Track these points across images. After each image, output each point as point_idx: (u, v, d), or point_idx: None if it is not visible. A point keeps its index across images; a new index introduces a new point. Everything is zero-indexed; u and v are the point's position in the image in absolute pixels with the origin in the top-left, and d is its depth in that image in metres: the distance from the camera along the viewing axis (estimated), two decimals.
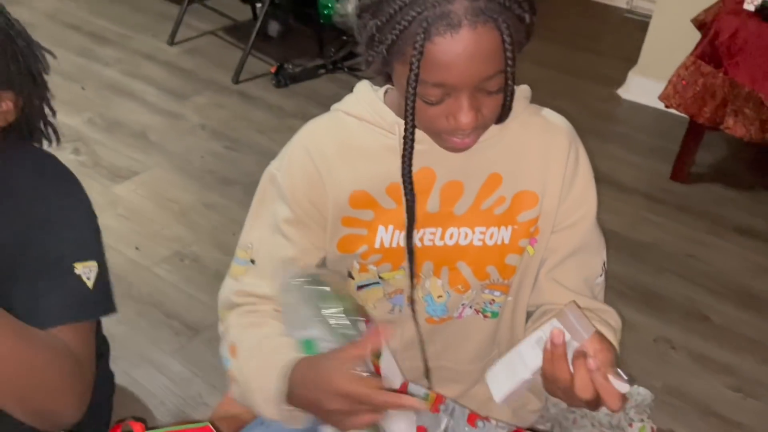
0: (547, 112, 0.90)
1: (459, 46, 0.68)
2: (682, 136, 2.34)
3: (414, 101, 0.72)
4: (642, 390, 1.41)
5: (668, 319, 1.86)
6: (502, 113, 0.77)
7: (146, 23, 3.35)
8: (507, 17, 0.68)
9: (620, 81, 2.94)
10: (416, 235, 0.86)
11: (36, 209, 0.87)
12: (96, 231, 0.93)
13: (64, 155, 2.39)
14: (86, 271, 0.87)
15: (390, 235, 0.86)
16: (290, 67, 2.91)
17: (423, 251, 0.87)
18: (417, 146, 0.80)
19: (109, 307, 0.91)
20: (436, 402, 0.91)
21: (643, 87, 2.78)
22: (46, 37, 3.49)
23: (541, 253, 0.90)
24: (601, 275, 0.93)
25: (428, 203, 0.85)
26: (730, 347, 1.78)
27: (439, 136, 0.79)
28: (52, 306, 0.83)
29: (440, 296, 0.91)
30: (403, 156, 0.77)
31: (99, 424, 1.04)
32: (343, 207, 0.86)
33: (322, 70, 2.98)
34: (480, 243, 0.87)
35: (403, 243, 0.86)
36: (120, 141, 2.48)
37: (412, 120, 0.74)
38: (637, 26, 3.16)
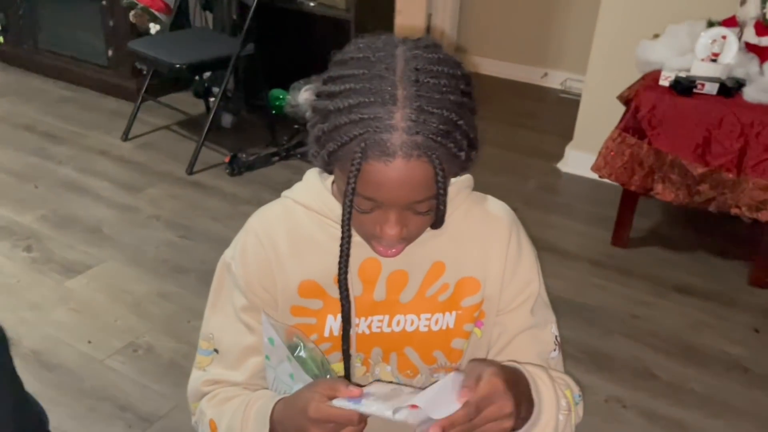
0: (489, 201, 0.94)
1: (391, 173, 0.72)
2: (618, 204, 2.47)
3: (350, 210, 0.76)
4: None
5: (618, 379, 1.91)
6: (435, 223, 0.81)
7: (99, 121, 3.42)
8: (442, 153, 0.72)
9: (559, 155, 3.11)
10: (364, 323, 0.89)
11: None
12: None
13: (17, 253, 2.39)
14: None
15: (339, 324, 0.88)
16: (244, 156, 2.99)
17: (371, 338, 0.90)
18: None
19: None
20: None
21: (580, 160, 2.94)
22: (1, 139, 3.50)
23: (488, 335, 0.92)
24: (555, 350, 0.95)
25: (375, 292, 0.88)
26: (678, 403, 1.83)
27: (369, 242, 0.82)
28: None
29: (390, 382, 0.91)
30: (340, 261, 0.80)
31: None
32: (292, 296, 0.88)
33: (276, 158, 3.08)
34: (426, 329, 0.90)
35: (353, 331, 0.88)
36: (73, 236, 2.49)
37: (348, 227, 0.78)
38: (571, 104, 3.37)
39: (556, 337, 0.95)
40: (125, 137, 3.23)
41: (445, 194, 0.74)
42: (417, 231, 0.80)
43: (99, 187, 2.83)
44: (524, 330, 0.91)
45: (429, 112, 0.71)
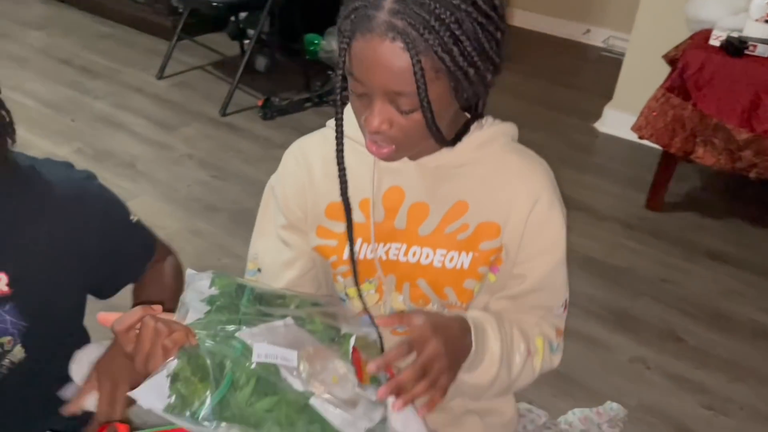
0: (530, 155, 0.93)
1: (369, 51, 0.74)
2: (656, 166, 2.43)
3: (343, 85, 0.79)
4: (615, 405, 1.45)
5: (644, 341, 1.90)
6: (440, 137, 0.81)
7: (135, 58, 3.43)
8: (421, 46, 0.72)
9: (597, 115, 3.05)
10: (383, 248, 0.91)
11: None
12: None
13: None
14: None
15: (358, 248, 0.91)
16: (277, 100, 2.99)
17: (387, 264, 0.92)
18: (391, 164, 0.86)
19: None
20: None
21: (619, 120, 2.87)
22: (38, 71, 3.54)
23: (503, 281, 0.93)
24: (561, 308, 0.96)
25: (396, 219, 0.90)
26: (703, 367, 1.83)
27: (364, 136, 0.84)
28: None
29: (402, 310, 0.94)
30: (337, 140, 0.83)
31: None
32: (319, 216, 0.92)
33: (308, 104, 3.06)
34: (440, 264, 0.90)
35: (369, 256, 0.91)
36: (108, 170, 2.53)
37: (342, 106, 0.81)
38: (612, 63, 3.28)
39: (566, 300, 0.96)
40: (160, 75, 3.23)
41: (425, 90, 0.73)
42: (405, 134, 0.80)
43: (134, 124, 2.85)
44: (535, 290, 0.92)
45: (419, 2, 0.72)
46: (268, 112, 2.95)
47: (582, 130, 3.01)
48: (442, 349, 0.77)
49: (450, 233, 0.90)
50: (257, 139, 2.80)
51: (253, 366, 0.72)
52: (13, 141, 0.93)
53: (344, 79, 0.79)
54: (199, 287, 0.82)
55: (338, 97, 0.81)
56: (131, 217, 1.07)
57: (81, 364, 0.96)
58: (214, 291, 0.81)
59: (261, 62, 3.35)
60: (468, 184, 0.89)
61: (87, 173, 1.04)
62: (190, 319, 0.78)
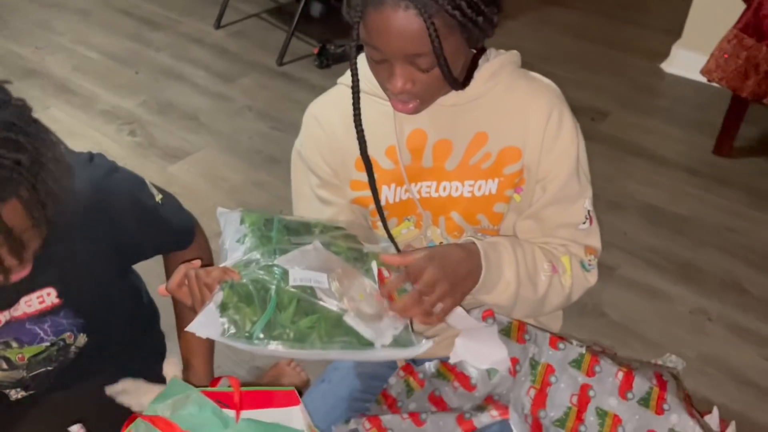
0: (535, 77, 0.98)
1: (382, 21, 0.78)
2: (726, 110, 2.33)
3: (355, 56, 0.84)
4: (674, 357, 1.46)
5: (706, 292, 1.88)
6: (457, 84, 0.87)
7: (193, 7, 3.45)
8: (432, 8, 0.76)
9: (664, 54, 2.91)
10: (414, 188, 0.97)
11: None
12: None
13: (123, 137, 2.53)
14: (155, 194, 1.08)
15: (393, 192, 0.97)
16: (332, 47, 2.97)
17: (421, 202, 0.98)
18: None
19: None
20: (520, 331, 0.97)
21: (688, 60, 2.75)
22: (100, 24, 3.61)
23: (528, 199, 0.98)
24: (584, 222, 1.00)
25: (423, 159, 0.96)
26: (766, 318, 1.80)
27: (387, 97, 0.89)
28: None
29: (441, 242, 1.00)
30: (354, 105, 0.87)
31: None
32: (350, 171, 0.98)
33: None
34: (469, 194, 0.96)
35: (404, 197, 0.97)
36: (172, 123, 2.60)
37: (356, 70, 0.86)
38: None
39: (588, 210, 1.00)
40: (218, 25, 3.26)
41: (441, 48, 0.78)
42: (426, 89, 0.86)
43: (194, 75, 2.91)
44: (555, 200, 0.96)
45: None
46: (324, 60, 2.95)
47: (647, 71, 2.90)
48: (440, 275, 0.83)
49: (474, 164, 0.96)
50: (314, 89, 2.81)
51: (291, 289, 0.80)
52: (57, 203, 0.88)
53: (358, 47, 0.83)
54: (232, 226, 0.89)
55: (353, 65, 0.85)
56: (156, 199, 1.07)
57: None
58: (245, 228, 0.88)
59: (316, 8, 3.32)
60: (484, 115, 0.94)
61: (105, 167, 1.02)
62: (230, 260, 0.85)
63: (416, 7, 0.76)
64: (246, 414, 0.90)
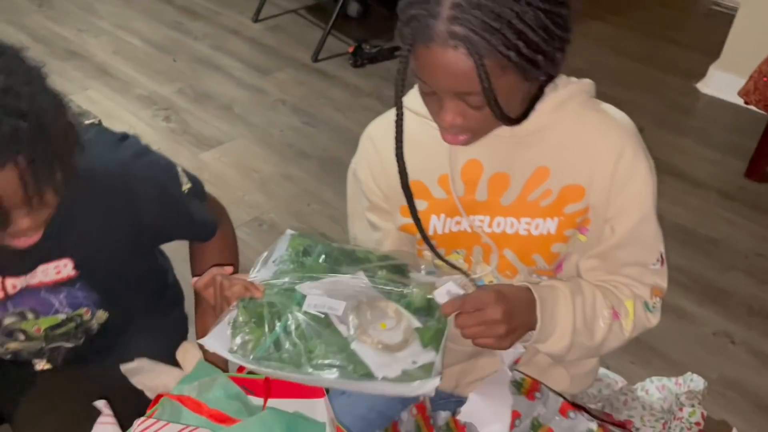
0: (608, 110, 0.90)
1: (431, 59, 0.74)
2: (761, 134, 2.30)
3: (402, 87, 0.80)
4: (695, 377, 1.45)
5: (730, 315, 1.86)
6: (511, 122, 0.81)
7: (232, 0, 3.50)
8: (484, 48, 0.71)
9: (700, 75, 2.89)
10: (465, 221, 0.92)
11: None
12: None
13: (157, 122, 2.57)
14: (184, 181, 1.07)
15: (442, 223, 0.93)
16: (368, 47, 2.99)
17: (473, 237, 0.93)
18: None
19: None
20: (531, 389, 0.94)
21: (724, 82, 2.72)
22: (142, 10, 3.67)
23: (594, 240, 0.92)
24: (655, 264, 0.94)
25: (477, 192, 0.91)
26: None
27: (438, 125, 0.84)
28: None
29: (491, 281, 0.96)
30: (396, 136, 0.84)
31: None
32: (400, 197, 0.92)
33: (398, 52, 3.05)
34: (525, 233, 0.90)
35: (454, 229, 0.93)
36: (207, 112, 2.64)
37: (401, 103, 0.82)
38: (722, 19, 3.08)
39: (661, 253, 0.94)
40: (256, 18, 3.29)
41: (491, 90, 0.74)
42: (478, 124, 0.81)
43: (231, 67, 2.94)
44: (626, 244, 0.91)
45: (476, 5, 0.71)
46: (359, 59, 2.97)
47: (683, 91, 2.87)
48: (500, 316, 0.80)
49: (533, 200, 0.90)
50: (347, 87, 2.84)
51: (301, 314, 0.82)
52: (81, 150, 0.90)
53: (403, 69, 0.78)
54: (280, 246, 0.91)
55: (399, 99, 0.81)
56: (183, 188, 1.07)
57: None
58: (286, 253, 0.90)
59: (353, 7, 3.34)
60: (547, 149, 0.88)
61: (136, 149, 1.03)
62: (258, 276, 0.87)
63: (466, 47, 0.72)
64: (270, 402, 0.92)
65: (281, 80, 2.87)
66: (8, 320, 1.00)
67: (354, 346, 0.80)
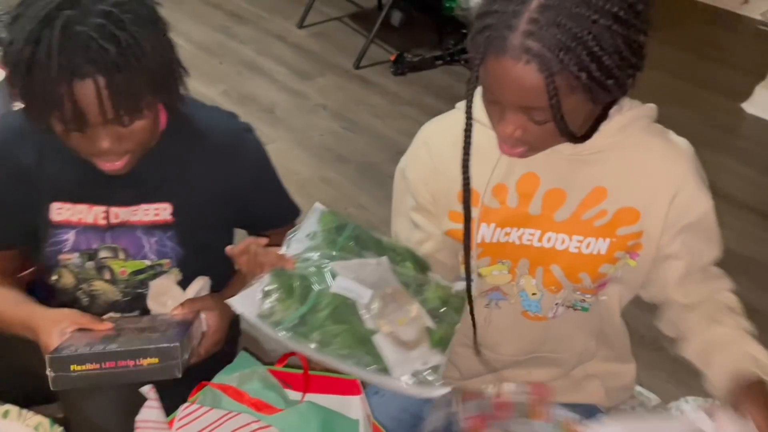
0: (671, 136, 0.91)
1: (501, 71, 0.75)
2: None
3: (472, 93, 0.81)
4: None
5: (764, 336, 1.82)
6: (575, 139, 0.81)
7: (278, 5, 3.56)
8: (556, 67, 0.71)
9: (746, 94, 2.85)
10: (516, 233, 0.92)
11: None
12: None
13: None
14: None
15: (491, 232, 0.93)
16: (409, 56, 3.02)
17: (520, 249, 0.93)
18: None
19: None
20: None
21: None
22: (190, 13, 3.74)
23: (644, 267, 0.93)
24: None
25: (530, 205, 0.91)
26: None
27: (496, 134, 0.84)
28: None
29: (534, 294, 0.96)
30: (464, 146, 0.84)
31: (228, 361, 1.20)
32: (451, 201, 0.94)
33: (440, 62, 3.07)
34: (576, 250, 0.91)
35: (503, 239, 0.93)
36: (250, 114, 2.69)
37: (470, 112, 0.82)
38: None
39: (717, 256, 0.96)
40: (300, 24, 3.35)
41: (559, 108, 0.74)
42: (538, 139, 0.81)
43: (274, 71, 3.00)
44: (695, 267, 0.92)
45: (554, 23, 0.71)
46: (400, 67, 3.00)
47: (727, 110, 2.84)
48: None
49: (587, 219, 0.90)
50: (387, 94, 2.87)
51: (331, 294, 0.82)
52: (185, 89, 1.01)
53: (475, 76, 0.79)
54: (309, 221, 0.92)
55: (469, 110, 0.81)
56: (272, 176, 1.15)
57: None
58: (318, 227, 0.90)
59: (396, 16, 3.38)
60: (607, 170, 0.88)
61: (246, 125, 1.13)
62: (291, 250, 0.88)
63: (538, 63, 0.71)
64: (307, 397, 0.94)
65: (322, 85, 2.92)
66: (102, 253, 1.06)
67: (375, 337, 0.81)
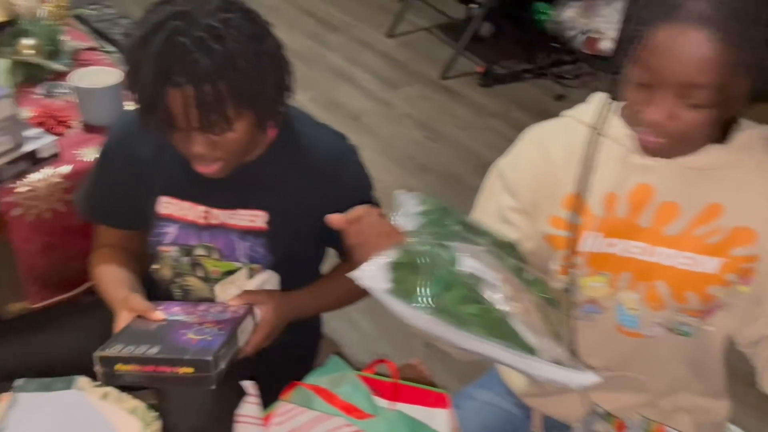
0: None
1: (670, 37, 0.71)
2: None
3: (616, 88, 0.78)
4: None
5: None
6: (717, 137, 0.79)
7: (368, 14, 3.63)
8: (731, 38, 0.68)
9: None
10: (621, 244, 0.90)
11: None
12: None
13: None
14: None
15: (594, 241, 0.90)
16: (498, 68, 3.01)
17: (624, 261, 0.91)
18: (643, 161, 0.86)
19: None
20: (618, 429, 0.92)
21: None
22: (284, 19, 3.88)
23: (759, 294, 0.88)
24: None
25: (641, 217, 0.89)
26: None
27: (635, 130, 0.82)
28: None
29: (632, 309, 0.93)
30: (586, 159, 0.82)
31: (307, 364, 1.24)
32: (555, 206, 0.92)
33: (528, 75, 3.05)
34: (683, 267, 0.88)
35: (606, 250, 0.90)
36: (336, 120, 2.75)
37: (607, 109, 0.80)
38: None
39: None
40: (390, 33, 3.40)
41: (726, 89, 0.71)
42: (683, 130, 0.77)
43: (362, 79, 3.06)
44: None
45: None
46: (488, 79, 2.99)
47: None
48: None
49: (699, 236, 0.87)
50: (472, 106, 2.87)
51: (460, 273, 0.79)
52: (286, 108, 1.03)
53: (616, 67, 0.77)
54: (410, 202, 0.89)
55: (613, 87, 0.79)
56: (373, 200, 1.14)
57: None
58: (423, 207, 0.88)
59: (486, 28, 3.37)
60: (725, 187, 0.86)
61: (352, 146, 1.13)
62: (405, 226, 0.84)
63: (719, 31, 0.69)
64: (394, 405, 0.96)
65: (409, 95, 2.95)
66: (198, 250, 1.11)
67: (511, 320, 0.77)
